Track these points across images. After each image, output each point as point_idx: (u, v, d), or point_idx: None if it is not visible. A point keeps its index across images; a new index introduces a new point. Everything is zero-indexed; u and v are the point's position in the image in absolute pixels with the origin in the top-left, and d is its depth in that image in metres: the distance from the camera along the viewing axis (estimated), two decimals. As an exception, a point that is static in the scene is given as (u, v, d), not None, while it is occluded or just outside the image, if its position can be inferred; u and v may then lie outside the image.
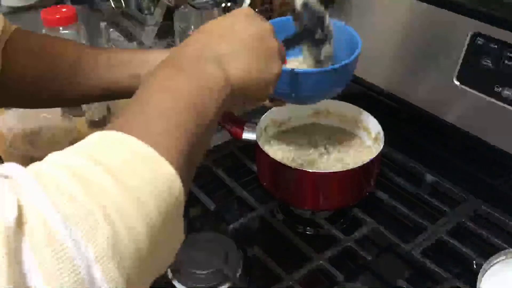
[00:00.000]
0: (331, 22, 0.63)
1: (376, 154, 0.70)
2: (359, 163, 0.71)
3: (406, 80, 0.81)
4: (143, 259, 0.30)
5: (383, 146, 0.71)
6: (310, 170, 0.68)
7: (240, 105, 0.47)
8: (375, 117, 0.76)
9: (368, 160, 0.69)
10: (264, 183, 0.75)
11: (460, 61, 0.72)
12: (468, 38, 0.70)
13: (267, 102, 0.63)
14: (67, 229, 0.27)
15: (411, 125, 0.82)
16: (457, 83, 0.73)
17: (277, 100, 0.64)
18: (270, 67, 0.46)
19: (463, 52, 0.71)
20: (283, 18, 0.68)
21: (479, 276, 0.58)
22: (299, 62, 0.66)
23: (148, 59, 0.59)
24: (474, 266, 0.65)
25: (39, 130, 0.88)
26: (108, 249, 0.28)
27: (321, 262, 0.65)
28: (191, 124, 0.37)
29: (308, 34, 0.61)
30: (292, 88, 0.59)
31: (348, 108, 0.80)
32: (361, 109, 0.78)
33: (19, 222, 0.26)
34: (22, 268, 0.25)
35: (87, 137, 0.34)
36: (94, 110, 0.91)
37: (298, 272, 0.64)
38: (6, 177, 0.29)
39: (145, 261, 0.30)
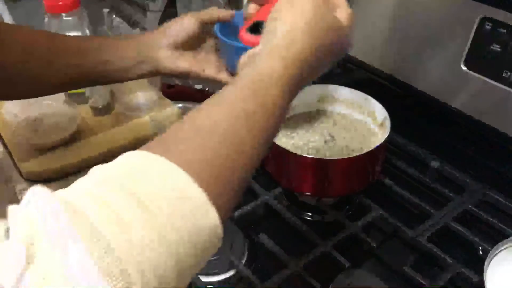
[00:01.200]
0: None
1: (382, 141, 0.70)
2: (365, 150, 0.71)
3: (413, 66, 0.80)
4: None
5: (389, 132, 0.71)
6: (316, 157, 0.68)
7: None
8: (381, 103, 0.76)
9: (374, 147, 0.69)
10: (270, 170, 0.75)
11: (468, 46, 0.71)
12: (476, 23, 0.69)
13: (226, 77, 0.64)
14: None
15: (417, 111, 0.82)
16: (464, 68, 0.72)
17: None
18: (339, 42, 0.47)
19: (471, 37, 0.70)
20: None
21: (485, 263, 0.57)
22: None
23: (118, 45, 0.62)
24: (480, 252, 0.65)
25: (42, 118, 0.88)
26: None
27: (326, 248, 0.65)
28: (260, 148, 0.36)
29: None
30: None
31: (353, 94, 0.79)
32: (367, 95, 0.78)
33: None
34: None
35: (125, 156, 0.32)
36: (98, 97, 0.90)
37: (303, 259, 0.64)
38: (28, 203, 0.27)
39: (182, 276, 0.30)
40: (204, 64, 0.65)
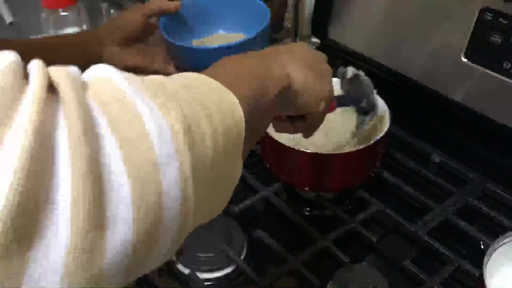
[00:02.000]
0: (377, 97, 0.69)
1: (382, 134, 0.69)
2: (365, 143, 0.70)
3: (412, 58, 0.79)
4: (208, 177, 0.31)
5: (389, 125, 0.70)
6: (315, 152, 0.67)
7: (291, 111, 0.49)
8: (380, 96, 0.75)
9: (373, 140, 0.68)
10: (268, 165, 0.74)
11: (468, 37, 0.70)
12: (476, 13, 0.68)
13: (173, 70, 0.65)
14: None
15: (418, 104, 0.81)
16: (465, 60, 0.71)
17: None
18: (323, 84, 0.49)
19: (471, 28, 0.69)
20: None
21: (486, 257, 0.57)
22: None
23: (62, 46, 0.63)
24: (482, 246, 0.64)
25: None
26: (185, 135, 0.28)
27: (326, 243, 0.65)
28: (257, 90, 0.39)
29: (354, 100, 0.69)
30: (196, 63, 0.61)
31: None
32: (367, 88, 0.77)
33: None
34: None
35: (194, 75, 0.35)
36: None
37: (303, 254, 0.63)
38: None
39: (209, 181, 0.31)
40: (152, 57, 0.65)
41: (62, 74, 0.26)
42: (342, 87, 0.70)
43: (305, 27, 0.97)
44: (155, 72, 0.66)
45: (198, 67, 0.64)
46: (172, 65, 0.66)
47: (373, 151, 0.70)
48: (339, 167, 0.69)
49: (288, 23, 1.02)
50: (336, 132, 0.75)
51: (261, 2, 0.68)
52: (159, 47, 0.65)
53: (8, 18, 1.11)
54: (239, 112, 0.34)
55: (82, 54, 0.62)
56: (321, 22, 0.89)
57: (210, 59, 0.63)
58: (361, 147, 0.68)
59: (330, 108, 0.54)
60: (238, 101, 0.34)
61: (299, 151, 0.67)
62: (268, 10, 0.66)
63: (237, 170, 0.37)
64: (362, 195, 0.72)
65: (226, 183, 0.35)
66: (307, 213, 0.73)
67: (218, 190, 0.34)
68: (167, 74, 0.66)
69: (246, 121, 0.35)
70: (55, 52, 0.62)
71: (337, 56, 0.91)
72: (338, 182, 0.71)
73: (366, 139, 0.70)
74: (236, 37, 0.70)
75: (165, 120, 0.27)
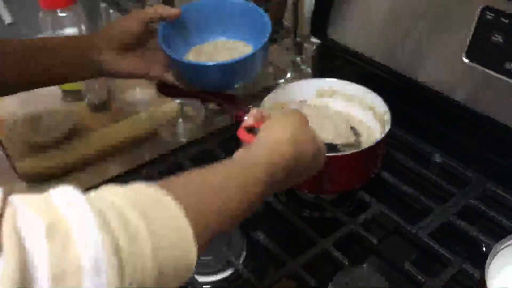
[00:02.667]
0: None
1: (383, 135, 0.68)
2: (365, 144, 0.70)
3: (414, 58, 0.78)
4: None
5: (390, 126, 0.69)
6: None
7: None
8: (381, 96, 0.74)
9: (374, 143, 0.68)
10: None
11: (469, 37, 0.69)
12: (477, 13, 0.67)
13: (171, 78, 0.65)
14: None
15: (419, 104, 0.80)
16: (466, 60, 0.71)
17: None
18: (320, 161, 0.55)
19: (472, 28, 0.68)
20: None
21: (488, 259, 0.56)
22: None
23: (60, 50, 0.62)
24: (483, 248, 0.64)
25: (39, 115, 0.87)
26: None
27: (326, 246, 0.64)
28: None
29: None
30: (197, 78, 0.64)
31: (353, 88, 0.78)
32: (367, 89, 0.76)
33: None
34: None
35: (135, 186, 0.36)
36: (94, 94, 0.89)
37: (302, 257, 0.63)
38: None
39: None
40: (150, 64, 0.64)
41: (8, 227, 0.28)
42: None
43: (305, 27, 0.96)
44: (153, 78, 0.66)
45: (191, 80, 0.64)
46: (170, 72, 0.65)
47: (373, 152, 0.69)
48: (339, 168, 0.69)
49: (287, 23, 1.01)
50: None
51: (263, 12, 0.67)
52: (159, 53, 0.63)
53: (7, 19, 1.11)
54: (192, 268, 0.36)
55: (79, 58, 0.62)
56: (321, 22, 0.89)
57: (204, 74, 0.63)
58: (361, 148, 0.68)
59: None
60: (196, 258, 0.36)
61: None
62: (269, 22, 0.65)
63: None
64: (362, 196, 0.72)
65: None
66: (307, 215, 0.72)
67: None
68: (165, 81, 0.66)
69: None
70: (52, 54, 0.62)
71: (337, 56, 0.90)
72: (338, 183, 0.71)
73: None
74: (237, 44, 0.69)
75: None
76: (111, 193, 0.34)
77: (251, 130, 0.58)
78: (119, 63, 0.62)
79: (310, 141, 0.53)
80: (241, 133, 0.58)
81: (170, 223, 0.35)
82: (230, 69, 0.63)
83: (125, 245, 0.31)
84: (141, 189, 0.36)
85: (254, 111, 0.59)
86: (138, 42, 0.63)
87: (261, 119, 0.57)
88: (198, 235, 0.36)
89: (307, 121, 0.55)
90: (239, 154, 0.51)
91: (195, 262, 0.36)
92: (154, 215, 0.34)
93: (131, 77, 0.66)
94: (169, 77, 0.65)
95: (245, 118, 0.60)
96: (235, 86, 0.68)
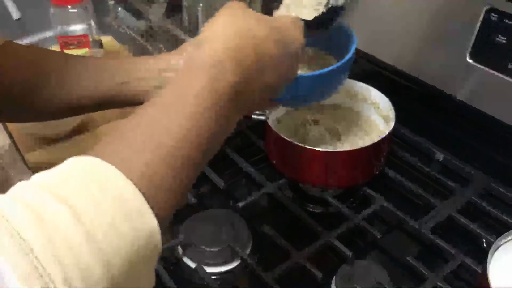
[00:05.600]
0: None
1: (386, 133, 0.70)
2: (369, 142, 0.71)
3: (418, 57, 0.79)
4: None
5: (394, 124, 0.71)
6: (320, 149, 0.68)
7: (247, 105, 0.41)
8: (385, 95, 0.76)
9: (378, 139, 0.69)
10: (274, 161, 0.75)
11: (474, 37, 0.70)
12: (482, 14, 0.69)
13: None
14: None
15: (422, 103, 0.81)
16: (470, 60, 0.72)
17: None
18: (287, 45, 0.43)
19: (477, 29, 0.70)
20: None
21: (489, 254, 0.57)
22: None
23: (135, 67, 0.58)
24: (484, 244, 0.65)
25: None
26: None
27: (330, 239, 0.65)
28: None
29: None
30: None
31: (358, 86, 0.79)
32: (371, 87, 0.78)
33: None
34: None
35: (63, 163, 0.31)
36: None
37: (307, 249, 0.64)
38: None
39: None
40: None
41: None
42: None
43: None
44: None
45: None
46: None
47: (377, 148, 0.71)
48: (344, 164, 0.70)
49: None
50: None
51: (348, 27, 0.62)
52: None
53: (15, 14, 1.12)
54: (157, 243, 0.31)
55: (155, 78, 0.58)
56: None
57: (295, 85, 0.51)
58: (366, 145, 0.69)
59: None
60: (157, 226, 0.30)
61: (304, 147, 0.68)
62: (355, 37, 0.59)
63: (150, 282, 0.32)
64: (366, 192, 0.73)
65: None
66: (312, 210, 0.74)
67: None
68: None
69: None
70: (129, 74, 0.58)
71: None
72: (343, 179, 0.72)
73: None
74: (320, 55, 0.64)
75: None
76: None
77: None
78: None
79: (263, 38, 0.40)
80: None
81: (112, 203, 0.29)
82: (317, 81, 0.55)
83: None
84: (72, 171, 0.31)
85: None
86: None
87: None
88: (152, 200, 0.30)
89: (245, 6, 0.42)
90: (165, 91, 0.37)
91: (157, 228, 0.30)
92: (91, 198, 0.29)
93: None
94: None
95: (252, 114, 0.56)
96: (313, 102, 0.63)
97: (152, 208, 0.30)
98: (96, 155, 0.31)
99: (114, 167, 0.30)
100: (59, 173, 0.31)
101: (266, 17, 0.43)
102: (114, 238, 0.28)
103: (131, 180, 0.30)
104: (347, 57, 0.56)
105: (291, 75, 0.45)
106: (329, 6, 0.55)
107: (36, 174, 0.31)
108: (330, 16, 0.56)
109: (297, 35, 0.45)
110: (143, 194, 0.30)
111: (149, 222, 0.30)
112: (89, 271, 0.27)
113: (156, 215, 0.30)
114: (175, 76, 0.38)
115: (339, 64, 0.56)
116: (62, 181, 0.30)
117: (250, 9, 0.43)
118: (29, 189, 0.29)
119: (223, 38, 0.39)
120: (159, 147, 0.33)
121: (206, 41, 0.39)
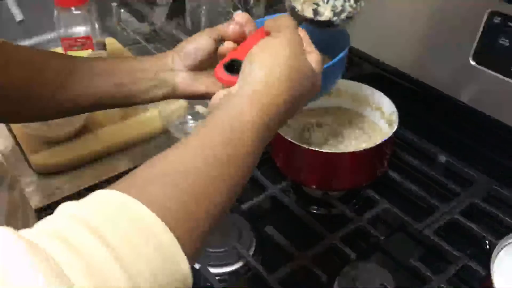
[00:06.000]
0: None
1: (389, 135, 0.70)
2: (372, 144, 0.71)
3: (421, 60, 0.80)
4: None
5: (397, 126, 0.71)
6: (323, 151, 0.68)
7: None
8: (388, 97, 0.76)
9: (381, 141, 0.69)
10: (277, 164, 0.75)
11: (477, 40, 0.71)
12: (485, 17, 0.69)
13: None
14: None
15: (425, 106, 0.82)
16: (473, 63, 0.72)
17: None
18: (309, 86, 0.47)
19: (480, 31, 0.70)
20: None
21: (492, 256, 0.57)
22: None
23: (133, 68, 0.59)
24: (487, 246, 0.65)
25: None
26: None
27: (333, 241, 0.66)
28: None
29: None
30: None
31: (361, 88, 0.80)
32: (375, 89, 0.78)
33: None
34: None
35: (97, 195, 0.32)
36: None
37: (310, 251, 0.64)
38: None
39: None
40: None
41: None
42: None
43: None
44: None
45: None
46: None
47: (380, 151, 0.71)
48: (347, 166, 0.70)
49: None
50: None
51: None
52: None
53: (18, 16, 1.13)
54: (189, 284, 0.32)
55: (151, 79, 0.59)
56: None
57: None
58: (369, 147, 0.69)
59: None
60: (190, 272, 0.32)
61: (307, 149, 0.68)
62: (348, 35, 0.61)
63: None
64: (369, 194, 0.73)
65: None
66: (315, 212, 0.74)
67: None
68: None
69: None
70: (126, 75, 0.59)
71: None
72: (346, 181, 0.72)
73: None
74: None
75: None
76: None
77: (231, 67, 0.49)
78: (193, 84, 0.58)
79: (304, 75, 0.45)
80: (219, 73, 0.49)
81: (147, 241, 0.30)
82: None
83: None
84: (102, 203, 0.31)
85: (238, 16, 0.52)
86: (210, 61, 0.59)
87: (244, 43, 0.48)
88: (185, 244, 0.31)
89: (302, 43, 0.47)
90: (218, 116, 0.40)
91: (189, 274, 0.32)
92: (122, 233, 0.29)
93: (205, 97, 0.60)
94: None
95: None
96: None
97: (185, 253, 0.31)
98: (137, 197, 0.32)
99: (153, 213, 0.31)
100: (92, 207, 0.31)
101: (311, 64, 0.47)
102: (155, 285, 0.29)
103: (169, 227, 0.31)
104: (340, 56, 0.57)
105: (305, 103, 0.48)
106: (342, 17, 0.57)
107: (64, 205, 0.31)
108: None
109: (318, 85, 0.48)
110: (178, 240, 0.31)
111: (183, 269, 0.31)
112: None
113: (188, 259, 0.32)
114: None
115: (331, 62, 0.56)
116: (104, 220, 0.30)
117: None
118: (66, 224, 0.29)
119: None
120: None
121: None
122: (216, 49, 0.58)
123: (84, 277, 0.26)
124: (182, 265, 0.31)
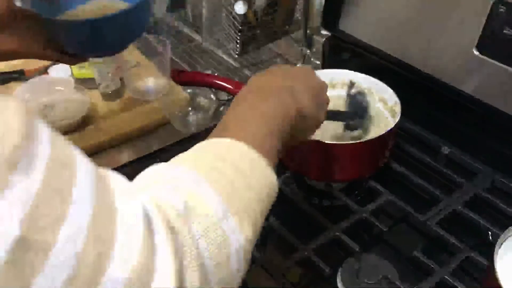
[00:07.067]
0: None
1: (392, 126, 0.69)
2: (375, 135, 0.71)
3: (424, 51, 0.79)
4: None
5: (400, 117, 0.70)
6: (326, 141, 0.68)
7: (287, 140, 0.50)
8: (391, 88, 0.75)
9: (384, 132, 0.69)
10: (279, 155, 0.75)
11: (481, 30, 0.70)
12: (489, 6, 0.68)
13: (51, 54, 0.63)
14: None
15: (429, 96, 0.81)
16: (476, 53, 0.71)
17: (78, 57, 0.67)
18: (321, 113, 0.54)
19: (484, 21, 0.69)
20: None
21: (495, 248, 0.57)
22: None
23: None
24: (490, 237, 0.65)
25: (53, 103, 0.88)
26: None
27: (336, 232, 0.65)
28: (279, 136, 0.46)
29: (349, 117, 0.75)
30: (68, 37, 0.61)
31: (364, 79, 0.79)
32: (378, 80, 0.77)
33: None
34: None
35: (202, 143, 0.41)
36: (108, 82, 0.90)
37: (313, 242, 0.64)
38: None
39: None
40: (30, 41, 0.62)
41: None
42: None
43: (315, 19, 0.97)
44: (35, 57, 0.64)
45: (71, 41, 0.61)
46: (51, 49, 0.63)
47: (383, 142, 0.70)
48: (349, 157, 0.70)
49: (298, 15, 1.02)
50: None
51: None
52: (41, 30, 0.61)
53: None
54: (275, 186, 0.43)
55: None
56: (332, 13, 0.90)
57: (80, 32, 0.59)
58: (371, 138, 0.69)
59: None
60: (274, 176, 0.43)
61: (310, 141, 0.67)
62: None
63: None
64: (372, 185, 0.73)
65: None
66: (317, 203, 0.74)
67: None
68: (47, 58, 0.63)
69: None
70: None
71: (347, 48, 0.91)
72: (348, 172, 0.72)
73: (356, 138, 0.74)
74: (116, 5, 0.65)
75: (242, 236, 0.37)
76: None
77: None
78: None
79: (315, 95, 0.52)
80: None
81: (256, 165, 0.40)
82: (105, 26, 0.59)
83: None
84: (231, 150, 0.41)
85: None
86: (7, 21, 0.59)
87: None
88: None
89: (314, 72, 0.56)
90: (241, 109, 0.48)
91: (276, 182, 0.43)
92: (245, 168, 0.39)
93: (11, 57, 0.63)
94: (49, 53, 0.63)
95: None
96: (119, 49, 0.65)
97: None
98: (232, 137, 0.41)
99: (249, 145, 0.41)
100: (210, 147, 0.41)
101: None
102: (262, 185, 0.41)
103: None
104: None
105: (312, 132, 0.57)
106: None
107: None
108: None
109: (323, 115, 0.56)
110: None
111: (271, 175, 0.42)
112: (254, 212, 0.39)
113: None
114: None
115: (126, 8, 0.60)
116: (218, 150, 0.41)
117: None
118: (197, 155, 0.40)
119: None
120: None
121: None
122: (7, 7, 0.59)
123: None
124: (269, 173, 0.42)
